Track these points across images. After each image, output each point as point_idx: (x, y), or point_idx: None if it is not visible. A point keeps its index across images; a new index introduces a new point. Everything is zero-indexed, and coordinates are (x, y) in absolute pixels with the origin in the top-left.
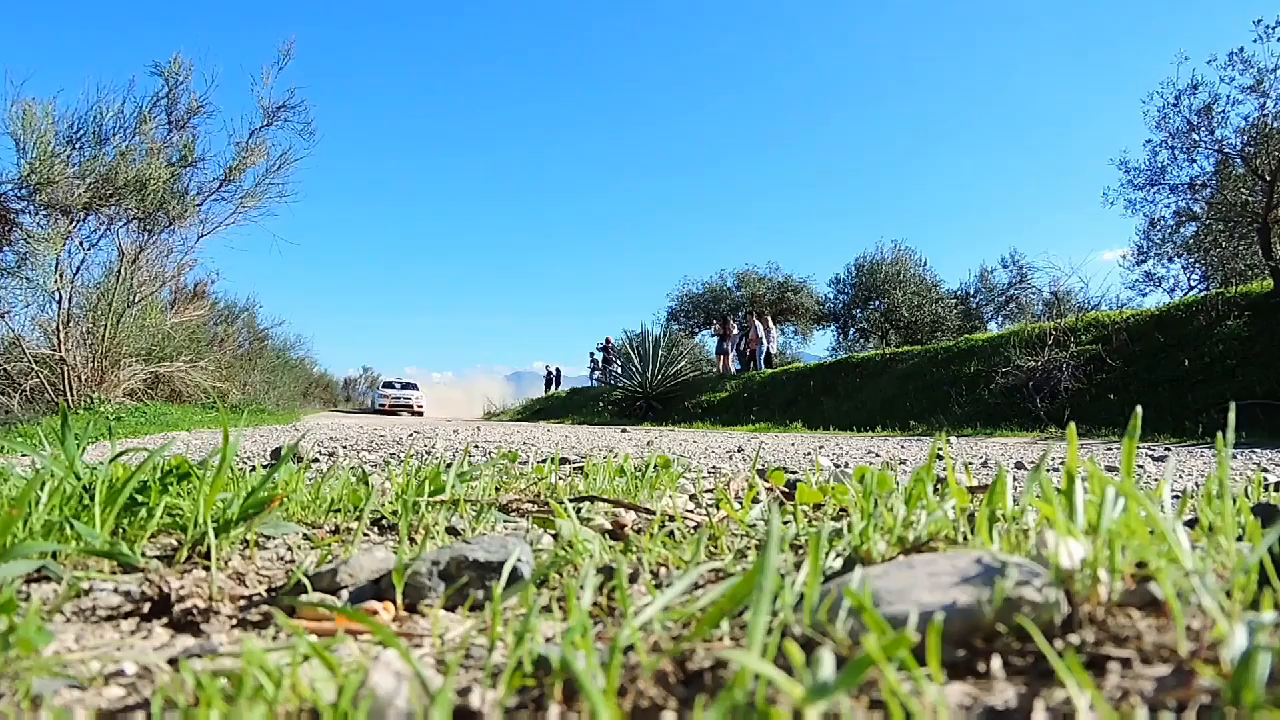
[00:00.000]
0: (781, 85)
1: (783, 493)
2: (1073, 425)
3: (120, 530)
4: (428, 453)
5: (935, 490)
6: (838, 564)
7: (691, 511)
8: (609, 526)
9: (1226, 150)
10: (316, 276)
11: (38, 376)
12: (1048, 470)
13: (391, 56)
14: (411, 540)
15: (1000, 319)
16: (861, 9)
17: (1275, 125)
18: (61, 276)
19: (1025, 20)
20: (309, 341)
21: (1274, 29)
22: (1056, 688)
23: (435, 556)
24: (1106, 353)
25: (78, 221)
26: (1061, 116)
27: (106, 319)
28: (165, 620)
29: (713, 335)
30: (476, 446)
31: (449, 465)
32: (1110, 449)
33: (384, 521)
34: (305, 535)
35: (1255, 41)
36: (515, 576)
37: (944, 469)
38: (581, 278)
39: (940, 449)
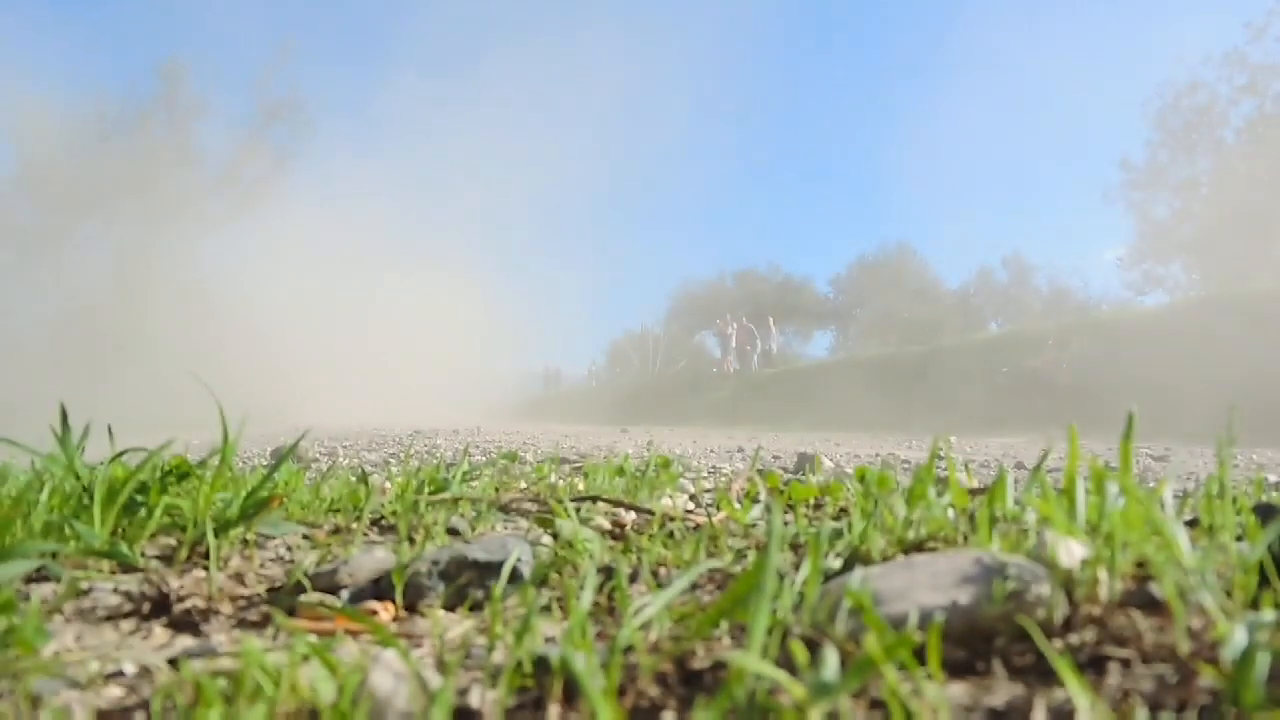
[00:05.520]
0: (780, 83)
1: (782, 494)
2: (1073, 425)
3: (120, 530)
4: (428, 452)
5: (935, 490)
6: (838, 564)
7: (691, 511)
8: (609, 526)
9: (1225, 150)
10: (314, 275)
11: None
12: (1048, 470)
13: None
14: (411, 540)
15: (1000, 319)
16: (857, 6)
17: (1272, 124)
18: (62, 276)
19: (1024, 18)
20: None
21: (1264, 29)
22: (1057, 688)
23: (435, 556)
24: (1106, 353)
25: (78, 220)
26: (1061, 116)
27: (107, 317)
28: (165, 620)
29: (713, 335)
30: (476, 446)
31: (449, 465)
32: (1110, 449)
33: (384, 521)
34: (305, 535)
35: (1249, 42)
36: (515, 576)
37: (944, 469)
38: (579, 276)
39: (940, 448)
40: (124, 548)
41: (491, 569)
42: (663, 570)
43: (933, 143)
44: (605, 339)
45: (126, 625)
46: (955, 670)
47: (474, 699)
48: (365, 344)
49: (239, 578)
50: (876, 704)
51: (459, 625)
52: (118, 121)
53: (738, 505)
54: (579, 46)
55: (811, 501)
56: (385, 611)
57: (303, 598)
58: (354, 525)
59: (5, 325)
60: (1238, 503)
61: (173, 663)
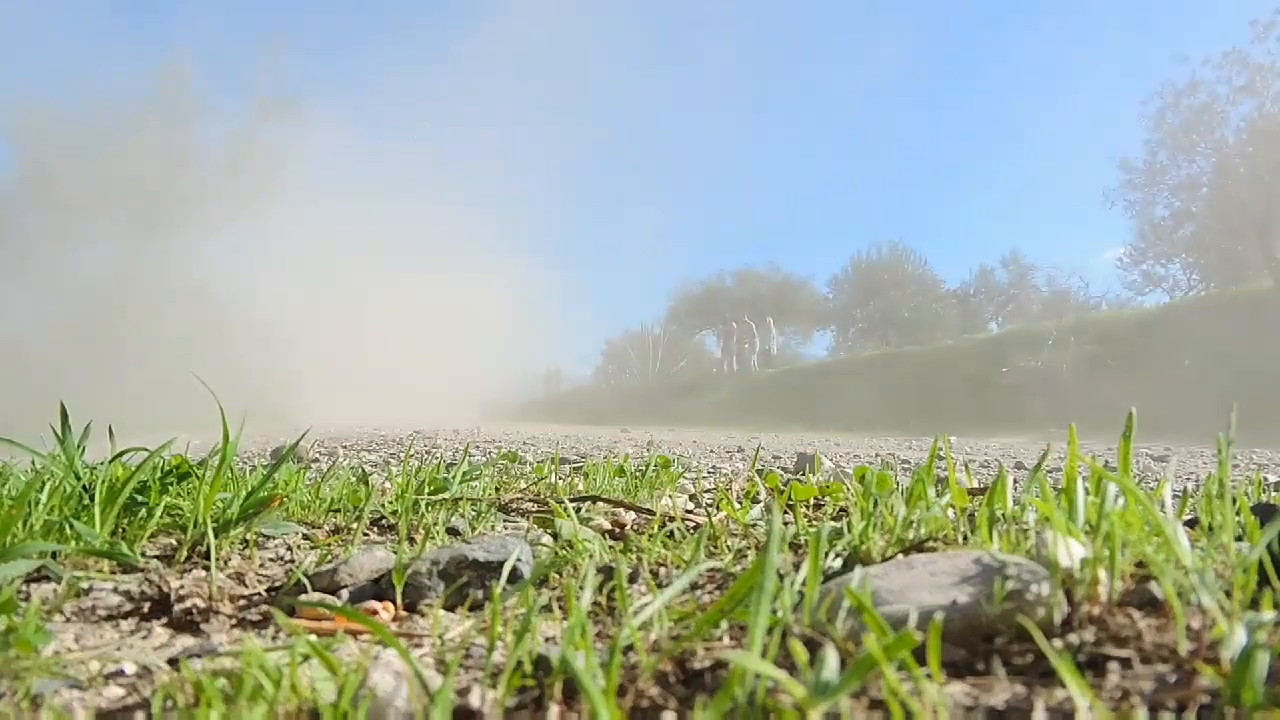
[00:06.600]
0: (779, 79)
1: (781, 494)
2: (1073, 425)
3: (120, 530)
4: (428, 452)
5: (935, 490)
6: (837, 564)
7: (691, 511)
8: (609, 526)
9: (1225, 150)
10: (313, 275)
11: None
12: (1047, 470)
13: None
14: (411, 540)
15: (1000, 319)
16: (854, 6)
17: (1273, 124)
18: (62, 276)
19: (1022, 17)
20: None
21: (1269, 29)
22: (1057, 687)
23: (435, 556)
24: (1106, 353)
25: (78, 220)
26: (1061, 116)
27: (107, 318)
28: (165, 620)
29: (714, 335)
30: (476, 446)
31: (449, 465)
32: (1110, 449)
33: (384, 521)
34: (305, 535)
35: (1251, 42)
36: (515, 576)
37: (944, 469)
38: (579, 276)
39: (940, 449)
40: (124, 548)
41: (492, 569)
42: (663, 570)
43: (932, 142)
44: (605, 339)
45: (127, 625)
46: (955, 670)
47: (474, 699)
48: (365, 344)
49: (239, 577)
50: (876, 704)
51: (459, 625)
52: (117, 121)
53: (738, 505)
54: (580, 45)
55: (811, 501)
56: (385, 611)
57: (303, 597)
58: (354, 525)
59: (6, 325)
60: (1237, 503)
61: (173, 662)
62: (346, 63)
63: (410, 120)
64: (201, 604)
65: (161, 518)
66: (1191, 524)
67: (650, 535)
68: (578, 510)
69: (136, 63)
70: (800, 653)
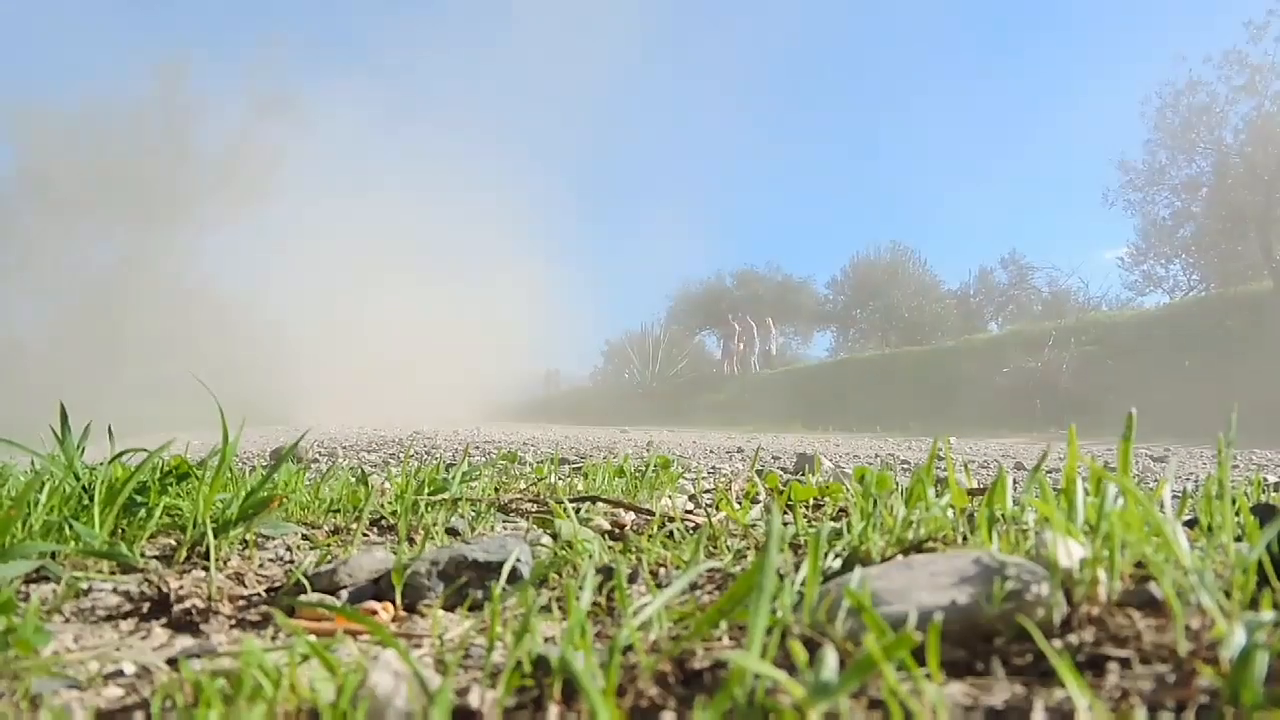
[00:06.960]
0: (779, 80)
1: (781, 494)
2: (1073, 425)
3: (120, 530)
4: (428, 453)
5: (935, 491)
6: (837, 564)
7: (691, 512)
8: (608, 527)
9: (1224, 150)
10: (313, 275)
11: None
12: (1047, 471)
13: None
14: (411, 540)
15: (1000, 319)
16: (854, 4)
17: (1272, 124)
18: (62, 276)
19: (1022, 18)
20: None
21: (1265, 29)
22: (1056, 687)
23: (434, 557)
24: (1106, 353)
25: (78, 220)
26: (1060, 116)
27: (107, 318)
28: (164, 620)
29: (714, 335)
30: (476, 447)
31: (449, 465)
32: (1110, 449)
33: (383, 522)
34: (304, 535)
35: (1249, 42)
36: (515, 576)
37: (944, 469)
38: (579, 276)
39: (940, 449)
40: (123, 548)
41: (491, 569)
42: (662, 570)
43: (932, 142)
44: (605, 339)
45: (126, 625)
46: (954, 670)
47: (474, 699)
48: (365, 344)
49: (238, 578)
50: (876, 704)
51: (459, 625)
52: (117, 121)
53: (737, 506)
54: (578, 46)
55: (811, 502)
56: (385, 611)
57: (302, 598)
58: (353, 526)
59: (6, 325)
60: (1237, 503)
61: (172, 663)
62: (347, 60)
63: (411, 121)
64: (201, 604)
65: (161, 518)
66: (1191, 524)
67: (650, 536)
68: (577, 511)
69: (136, 62)
70: (800, 653)
